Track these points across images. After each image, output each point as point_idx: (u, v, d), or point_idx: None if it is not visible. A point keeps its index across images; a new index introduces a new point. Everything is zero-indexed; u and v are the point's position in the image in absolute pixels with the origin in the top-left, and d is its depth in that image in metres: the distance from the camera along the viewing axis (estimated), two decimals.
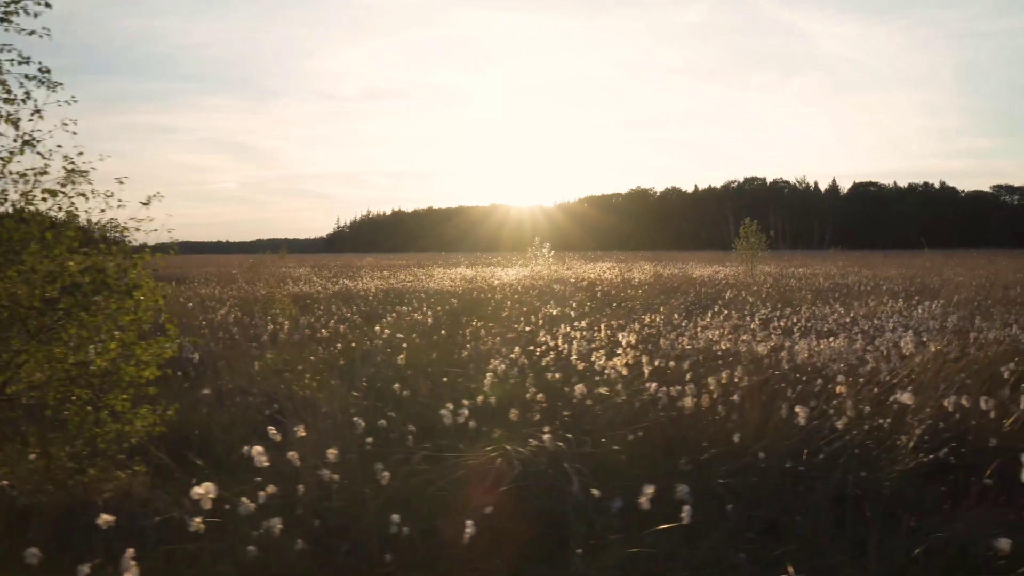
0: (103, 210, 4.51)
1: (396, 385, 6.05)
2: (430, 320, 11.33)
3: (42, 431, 4.14)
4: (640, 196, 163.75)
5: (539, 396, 5.38)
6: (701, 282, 22.16)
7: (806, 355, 7.46)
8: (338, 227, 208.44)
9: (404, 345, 8.20)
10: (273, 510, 3.46)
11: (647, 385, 5.73)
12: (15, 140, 4.34)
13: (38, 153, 4.39)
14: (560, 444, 4.01)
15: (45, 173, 4.33)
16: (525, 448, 4.14)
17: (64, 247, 4.33)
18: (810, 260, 44.57)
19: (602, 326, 9.45)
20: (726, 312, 11.97)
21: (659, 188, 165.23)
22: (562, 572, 3.22)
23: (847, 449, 4.60)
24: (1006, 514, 3.98)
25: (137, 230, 4.54)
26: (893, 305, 12.92)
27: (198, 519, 3.27)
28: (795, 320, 10.81)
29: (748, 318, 11.16)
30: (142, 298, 4.18)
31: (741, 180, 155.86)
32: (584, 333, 8.93)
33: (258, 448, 3.60)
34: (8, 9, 4.28)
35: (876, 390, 5.73)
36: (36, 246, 4.23)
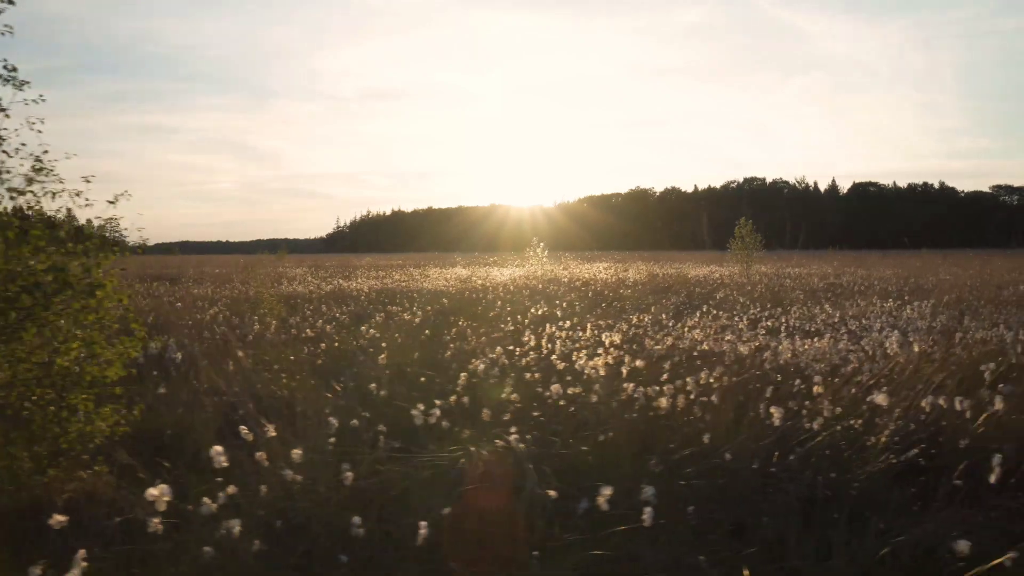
0: (69, 208, 4.48)
1: (372, 385, 6.02)
2: (417, 320, 11.30)
3: (5, 430, 4.10)
4: (640, 196, 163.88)
5: (513, 396, 5.34)
6: (696, 282, 22.12)
7: (789, 355, 7.43)
8: (338, 227, 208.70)
9: (384, 345, 8.16)
10: (235, 511, 3.43)
11: (625, 385, 5.69)
12: None
13: (3, 152, 4.36)
14: (522, 445, 3.97)
15: (9, 172, 4.30)
16: (490, 449, 4.11)
17: (31, 246, 4.30)
18: (807, 260, 44.55)
19: (588, 326, 9.43)
20: (715, 312, 11.93)
21: (659, 188, 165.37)
22: (518, 574, 3.19)
23: (819, 450, 4.57)
24: (975, 515, 3.95)
25: (103, 228, 4.51)
26: (883, 305, 12.89)
27: (156, 520, 3.24)
28: (784, 320, 10.78)
29: (737, 318, 11.14)
30: (104, 297, 4.14)
31: (741, 180, 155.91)
32: (569, 333, 8.90)
33: (217, 448, 3.57)
34: None
35: (854, 391, 5.69)
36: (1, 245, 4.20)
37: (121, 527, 3.76)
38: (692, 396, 5.41)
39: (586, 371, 6.28)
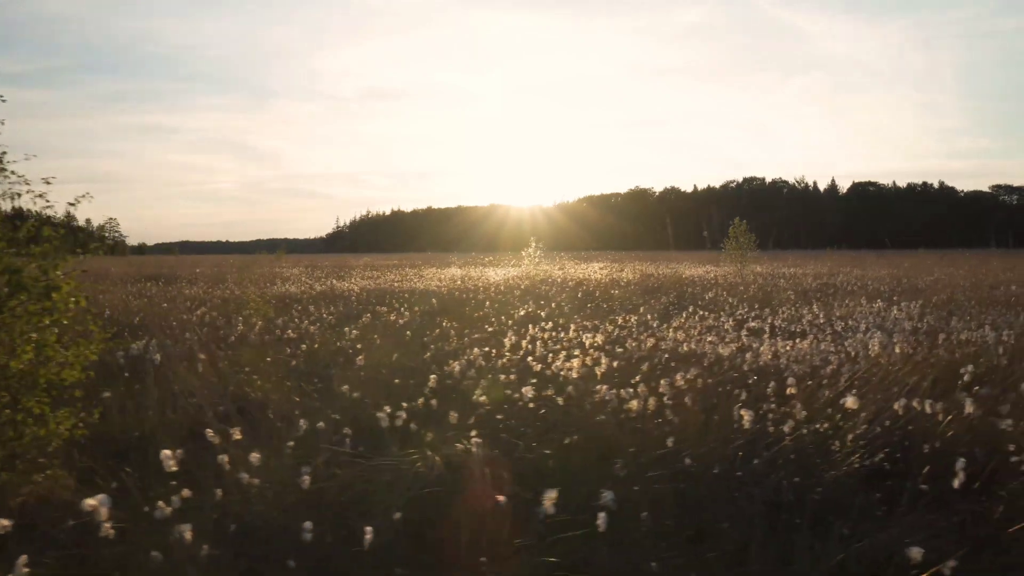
0: (30, 210, 4.44)
1: (345, 387, 5.97)
2: (402, 321, 11.26)
3: None
4: (639, 196, 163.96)
5: (483, 399, 5.30)
6: (689, 282, 22.07)
7: (769, 357, 7.38)
8: (338, 227, 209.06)
9: (359, 346, 8.12)
10: (190, 515, 3.39)
11: (598, 388, 5.64)
12: None
13: None
14: (479, 449, 3.92)
15: None
16: (450, 452, 4.07)
17: None
18: (804, 260, 44.49)
19: (572, 327, 9.38)
20: (702, 313, 11.88)
21: (658, 188, 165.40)
22: None
23: (786, 453, 4.52)
24: (938, 520, 3.90)
25: (63, 230, 4.46)
26: (872, 306, 12.84)
27: (107, 524, 3.20)
28: (770, 321, 10.72)
29: (724, 319, 11.08)
30: (59, 300, 4.10)
31: (740, 180, 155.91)
32: (552, 335, 8.85)
33: (166, 452, 3.53)
34: None
35: (828, 393, 5.65)
36: None
37: (74, 531, 3.72)
38: (664, 398, 5.36)
39: (561, 373, 6.24)
